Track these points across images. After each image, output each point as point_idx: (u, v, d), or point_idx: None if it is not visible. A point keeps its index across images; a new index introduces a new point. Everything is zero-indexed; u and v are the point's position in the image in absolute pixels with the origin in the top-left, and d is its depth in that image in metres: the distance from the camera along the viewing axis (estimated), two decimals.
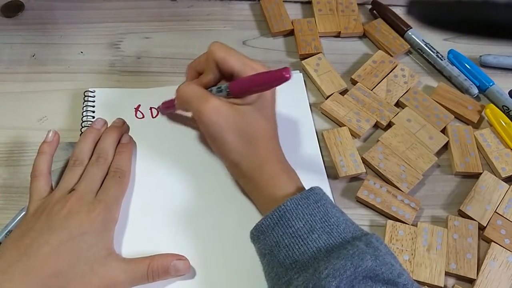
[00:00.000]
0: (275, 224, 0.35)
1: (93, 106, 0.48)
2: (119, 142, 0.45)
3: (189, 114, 0.48)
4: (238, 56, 0.41)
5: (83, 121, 0.47)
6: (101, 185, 0.40)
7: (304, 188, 0.39)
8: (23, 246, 0.35)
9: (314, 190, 0.37)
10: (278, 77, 0.37)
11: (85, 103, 0.48)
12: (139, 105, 0.49)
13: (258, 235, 0.37)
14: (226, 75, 0.41)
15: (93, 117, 0.47)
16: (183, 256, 0.39)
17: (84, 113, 0.48)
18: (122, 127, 0.46)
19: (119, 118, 0.47)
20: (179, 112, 0.48)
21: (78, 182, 0.40)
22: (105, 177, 0.41)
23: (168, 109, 0.48)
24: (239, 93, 0.40)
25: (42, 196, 0.39)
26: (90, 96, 0.49)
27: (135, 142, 0.46)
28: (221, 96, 0.40)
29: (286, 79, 0.36)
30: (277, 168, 0.40)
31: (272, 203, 0.37)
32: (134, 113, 0.48)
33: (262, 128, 0.40)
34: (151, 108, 0.49)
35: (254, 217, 0.42)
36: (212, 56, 0.40)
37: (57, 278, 0.35)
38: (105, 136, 0.44)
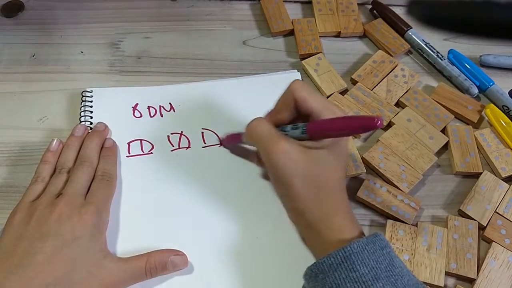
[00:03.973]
0: (338, 265, 0.33)
1: (91, 106, 0.48)
2: (102, 147, 0.44)
3: (254, 149, 0.45)
4: (320, 98, 0.39)
5: (81, 122, 0.47)
6: (88, 189, 0.40)
7: (363, 233, 0.37)
8: (17, 256, 0.35)
9: (379, 236, 0.35)
10: (367, 124, 0.33)
11: (82, 103, 0.48)
12: (137, 104, 0.49)
13: (317, 273, 0.34)
14: (302, 116, 0.39)
15: (91, 117, 0.47)
16: (181, 251, 0.39)
17: (82, 113, 0.47)
18: (104, 131, 0.46)
19: (100, 122, 0.46)
20: (244, 146, 0.46)
21: (65, 186, 0.40)
22: (91, 182, 0.41)
23: (232, 143, 0.46)
24: (315, 134, 0.37)
25: (33, 198, 0.39)
26: (87, 96, 0.49)
27: (117, 146, 0.46)
28: (295, 134, 0.38)
29: (377, 127, 0.33)
30: (345, 221, 0.37)
31: (334, 246, 0.35)
32: (132, 112, 0.48)
33: (333, 176, 0.38)
34: (149, 107, 0.49)
35: (250, 211, 0.42)
36: (292, 94, 0.38)
37: (56, 287, 0.34)
38: (87, 142, 0.44)
